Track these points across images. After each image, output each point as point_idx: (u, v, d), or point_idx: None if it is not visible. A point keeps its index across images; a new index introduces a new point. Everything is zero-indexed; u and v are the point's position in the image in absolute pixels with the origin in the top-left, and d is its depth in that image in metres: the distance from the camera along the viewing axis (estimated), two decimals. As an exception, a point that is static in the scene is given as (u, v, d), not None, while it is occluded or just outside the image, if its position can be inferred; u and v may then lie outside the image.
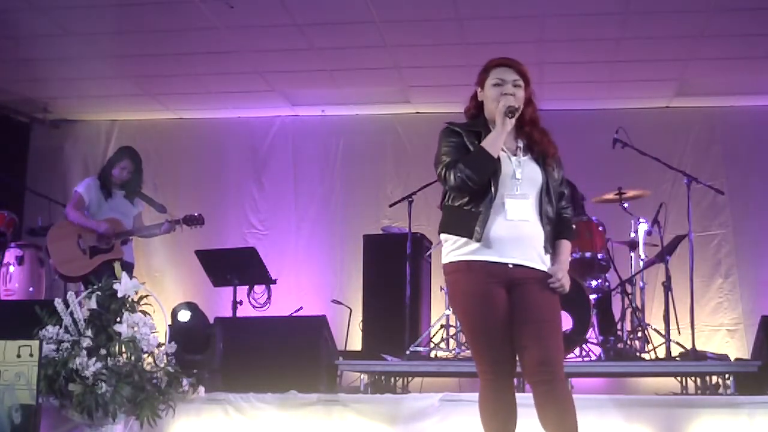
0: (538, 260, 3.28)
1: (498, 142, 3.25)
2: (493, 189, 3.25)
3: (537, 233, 3.29)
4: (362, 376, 5.71)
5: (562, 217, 3.40)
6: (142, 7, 6.12)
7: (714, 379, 5.49)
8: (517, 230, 3.25)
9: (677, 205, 6.51)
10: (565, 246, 3.39)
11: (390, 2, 6.03)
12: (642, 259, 6.03)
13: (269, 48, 6.85)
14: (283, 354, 5.34)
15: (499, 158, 3.27)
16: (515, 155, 3.33)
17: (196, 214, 6.21)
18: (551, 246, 3.34)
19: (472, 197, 3.29)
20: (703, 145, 7.82)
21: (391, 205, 6.77)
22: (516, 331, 3.23)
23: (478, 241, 3.24)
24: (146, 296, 4.25)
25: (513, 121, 3.26)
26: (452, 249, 3.35)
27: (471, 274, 3.29)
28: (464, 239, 3.28)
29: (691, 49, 6.72)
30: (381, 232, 7.21)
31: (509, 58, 3.44)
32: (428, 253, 6.84)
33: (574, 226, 3.46)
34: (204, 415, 4.63)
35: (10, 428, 3.62)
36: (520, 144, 3.36)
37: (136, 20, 6.34)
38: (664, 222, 6.01)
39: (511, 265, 3.25)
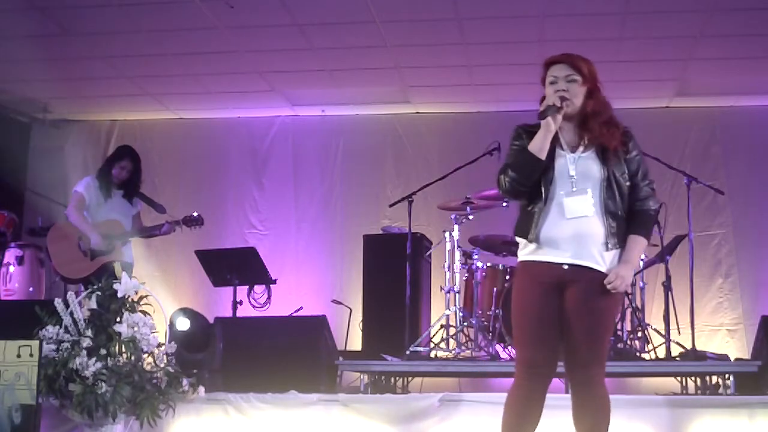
0: (596, 258, 3.21)
1: (542, 143, 3.22)
2: (543, 189, 3.25)
3: (596, 230, 3.22)
4: (362, 376, 5.71)
5: (636, 210, 3.30)
6: (142, 7, 6.12)
7: (714, 379, 5.49)
8: (572, 228, 3.22)
9: (677, 205, 6.52)
10: (633, 242, 3.27)
11: (390, 2, 6.03)
12: (642, 259, 6.03)
13: (269, 48, 6.85)
14: (283, 354, 5.34)
15: (553, 157, 3.26)
16: (574, 152, 3.30)
17: (195, 215, 6.21)
18: (620, 241, 3.24)
19: (530, 199, 3.30)
20: (703, 145, 7.82)
21: (391, 205, 6.76)
22: (564, 331, 3.24)
23: (533, 242, 3.26)
24: (146, 296, 4.25)
25: (558, 119, 3.23)
26: (519, 250, 3.39)
27: (526, 274, 3.33)
28: (524, 241, 3.32)
29: (691, 49, 6.72)
30: (381, 232, 7.21)
31: (566, 53, 3.42)
32: (428, 253, 6.84)
33: (652, 219, 3.35)
34: (204, 415, 4.63)
35: (10, 428, 3.62)
36: (585, 140, 3.31)
37: (136, 20, 6.34)
38: (664, 222, 6.00)
39: (566, 266, 3.22)
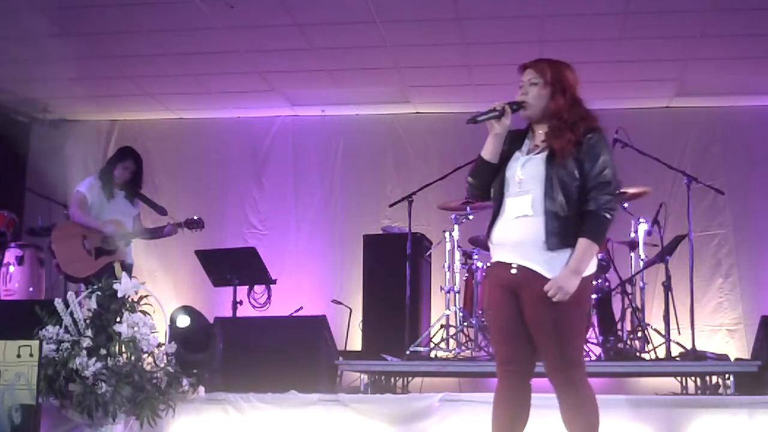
0: (539, 260, 3.19)
1: (490, 147, 3.35)
2: (495, 191, 3.34)
3: (537, 230, 3.20)
4: (362, 376, 5.71)
5: (584, 211, 3.21)
6: (142, 7, 6.12)
7: (714, 379, 5.49)
8: (516, 229, 3.26)
9: (677, 205, 6.52)
10: (578, 245, 3.17)
11: (390, 2, 6.03)
12: (642, 259, 6.03)
13: (269, 48, 6.85)
14: (283, 354, 5.34)
15: (506, 161, 3.34)
16: (529, 154, 3.34)
17: (196, 218, 6.26)
18: (563, 242, 3.18)
19: (494, 201, 3.39)
20: (703, 145, 7.82)
21: (391, 205, 6.76)
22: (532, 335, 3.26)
23: (490, 243, 3.37)
24: (146, 296, 4.25)
25: (503, 122, 3.31)
26: None
27: (489, 276, 3.44)
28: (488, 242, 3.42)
29: (691, 49, 6.72)
30: (381, 232, 7.21)
31: (538, 59, 3.49)
32: (428, 253, 6.84)
33: (602, 222, 3.21)
34: (204, 415, 4.63)
35: (10, 428, 3.62)
36: (543, 141, 3.33)
37: (136, 20, 6.34)
38: (664, 222, 6.00)
39: (514, 266, 3.24)
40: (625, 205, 6.15)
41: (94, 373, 3.93)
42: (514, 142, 3.38)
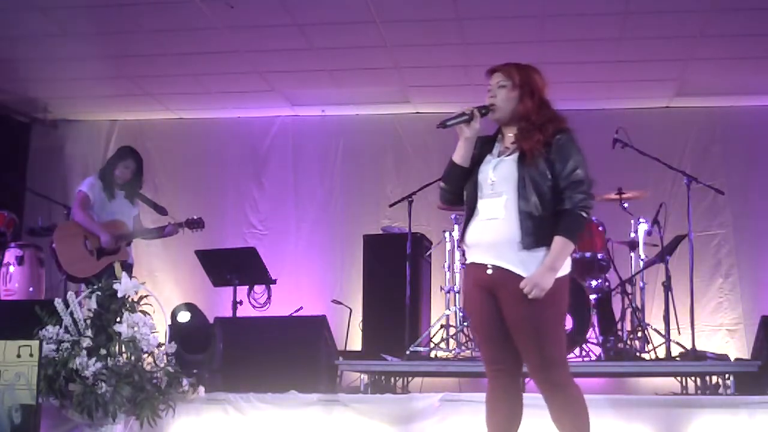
0: (514, 261, 3.20)
1: (460, 151, 3.40)
2: (468, 194, 3.37)
3: (511, 231, 3.22)
4: (362, 376, 5.71)
5: (558, 211, 3.24)
6: (141, 7, 6.12)
7: (714, 379, 5.49)
8: (489, 231, 3.26)
9: (677, 205, 6.52)
10: (554, 243, 3.20)
11: (390, 2, 6.03)
12: (642, 259, 6.03)
13: (269, 48, 6.85)
14: (283, 354, 5.35)
15: (478, 164, 3.37)
16: (500, 156, 3.37)
17: (196, 218, 6.26)
18: (538, 241, 3.19)
19: (466, 205, 3.41)
20: (703, 145, 7.82)
21: (391, 205, 6.77)
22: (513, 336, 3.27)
23: (464, 245, 3.40)
24: (146, 296, 4.25)
25: (473, 125, 3.35)
26: None
27: (466, 276, 3.45)
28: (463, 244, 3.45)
29: (691, 49, 6.72)
30: (381, 232, 7.21)
31: (506, 63, 3.50)
32: (428, 253, 6.84)
33: (576, 220, 3.24)
34: (204, 415, 4.63)
35: (10, 428, 3.62)
36: (513, 144, 3.36)
37: (136, 20, 6.34)
38: (664, 222, 6.01)
39: (489, 266, 3.25)
40: (625, 205, 6.17)
41: (94, 373, 3.93)
42: (484, 146, 3.42)
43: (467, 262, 3.41)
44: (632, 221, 6.16)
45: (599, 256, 5.89)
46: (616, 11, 6.12)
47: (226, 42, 6.71)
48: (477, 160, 3.40)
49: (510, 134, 3.39)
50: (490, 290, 3.27)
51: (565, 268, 3.25)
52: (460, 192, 3.43)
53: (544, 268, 3.17)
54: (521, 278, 3.17)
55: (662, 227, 5.98)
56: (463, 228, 3.39)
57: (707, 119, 7.87)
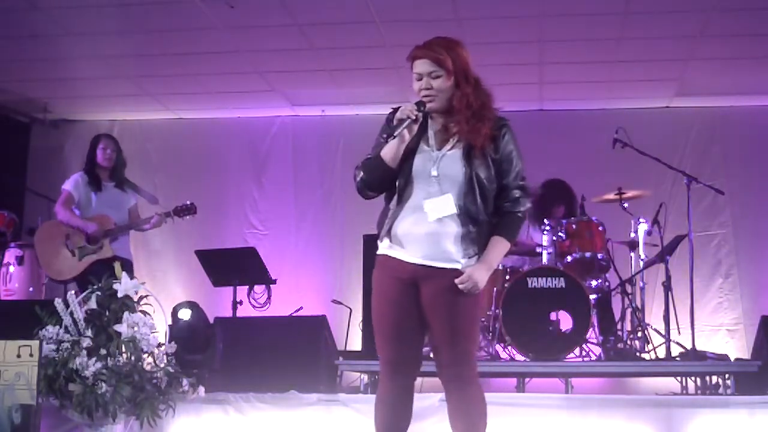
0: (448, 260, 3.09)
1: (395, 152, 3.11)
2: (399, 187, 3.14)
3: (451, 232, 3.09)
4: (362, 376, 5.71)
5: (503, 212, 3.15)
6: (142, 7, 6.12)
7: (714, 379, 5.49)
8: (428, 229, 3.09)
9: (677, 205, 6.52)
10: (495, 242, 3.12)
11: (390, 2, 6.03)
12: (642, 259, 6.03)
13: (269, 48, 6.85)
14: (283, 354, 5.34)
15: (414, 153, 3.13)
16: (440, 149, 3.14)
17: (188, 203, 6.08)
18: (480, 248, 3.10)
19: (388, 196, 3.21)
20: (703, 145, 7.83)
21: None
22: (428, 330, 3.17)
23: (386, 238, 3.17)
24: (146, 296, 4.25)
25: (415, 128, 3.10)
26: (379, 242, 3.27)
27: (382, 269, 3.21)
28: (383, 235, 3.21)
29: (691, 49, 6.72)
30: (381, 232, 7.20)
31: (425, 46, 3.27)
32: (428, 253, 6.82)
33: (519, 222, 3.19)
34: (204, 415, 4.63)
35: (10, 428, 3.61)
36: (453, 137, 3.14)
37: (136, 20, 6.34)
38: (664, 222, 6.01)
39: (417, 264, 3.12)
40: (625, 205, 6.16)
41: (94, 373, 3.92)
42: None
43: (386, 253, 3.18)
44: (632, 221, 6.16)
45: (599, 256, 5.88)
46: (616, 11, 6.12)
47: (226, 42, 6.71)
48: (408, 148, 3.14)
49: (446, 122, 3.16)
50: (412, 283, 3.11)
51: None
52: (383, 187, 3.20)
53: (484, 264, 3.08)
54: (449, 271, 3.06)
55: (662, 227, 5.99)
56: (388, 216, 3.16)
57: (707, 119, 7.87)
